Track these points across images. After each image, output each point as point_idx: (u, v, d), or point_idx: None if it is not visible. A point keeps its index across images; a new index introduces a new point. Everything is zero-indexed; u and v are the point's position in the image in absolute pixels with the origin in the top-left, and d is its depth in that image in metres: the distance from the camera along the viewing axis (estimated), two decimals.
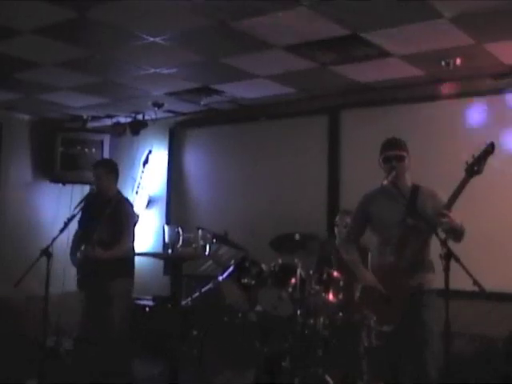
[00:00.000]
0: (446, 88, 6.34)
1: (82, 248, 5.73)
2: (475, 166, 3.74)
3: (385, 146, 4.38)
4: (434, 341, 3.99)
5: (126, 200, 6.04)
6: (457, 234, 4.06)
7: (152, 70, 6.28)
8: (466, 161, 3.81)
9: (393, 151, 4.31)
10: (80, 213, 5.71)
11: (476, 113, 6.15)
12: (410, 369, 4.18)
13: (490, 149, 3.74)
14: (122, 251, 5.68)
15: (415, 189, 4.33)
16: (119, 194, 5.98)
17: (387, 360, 4.37)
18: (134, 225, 5.93)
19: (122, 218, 5.76)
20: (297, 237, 5.54)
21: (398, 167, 4.27)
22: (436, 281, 4.10)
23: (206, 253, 5.83)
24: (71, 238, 5.99)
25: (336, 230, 6.07)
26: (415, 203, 4.23)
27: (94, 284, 5.72)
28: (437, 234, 3.82)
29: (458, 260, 3.47)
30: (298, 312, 5.28)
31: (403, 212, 4.22)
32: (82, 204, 5.63)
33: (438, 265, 3.67)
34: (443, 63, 5.69)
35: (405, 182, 4.35)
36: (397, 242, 4.27)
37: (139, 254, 6.08)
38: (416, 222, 4.11)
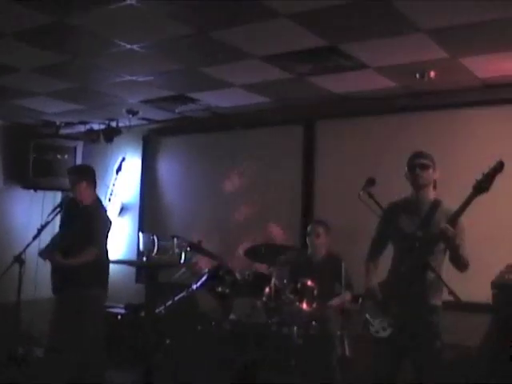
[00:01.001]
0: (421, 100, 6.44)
1: (39, 251, 5.69)
2: (483, 183, 3.75)
3: (410, 157, 4.35)
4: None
5: (101, 206, 5.97)
6: (454, 255, 4.09)
7: (128, 78, 6.27)
8: (475, 178, 3.81)
9: (417, 160, 4.29)
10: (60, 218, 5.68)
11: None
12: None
13: (498, 166, 3.74)
14: (86, 258, 5.52)
15: (436, 204, 4.28)
16: (97, 200, 5.91)
17: (382, 368, 4.37)
18: (108, 232, 5.86)
19: (93, 224, 5.69)
20: (270, 247, 5.57)
21: (421, 176, 4.25)
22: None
23: (182, 261, 5.82)
24: (43, 244, 5.92)
25: (308, 239, 6.11)
26: (431, 219, 4.19)
27: (66, 291, 5.65)
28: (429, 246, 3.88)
29: (434, 271, 3.51)
30: (272, 321, 5.29)
31: (417, 225, 4.20)
32: (58, 210, 5.58)
33: None
34: (418, 76, 5.78)
35: (427, 195, 4.32)
36: (404, 253, 4.25)
37: (114, 262, 6.03)
38: (426, 236, 4.08)
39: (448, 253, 4.15)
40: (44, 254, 5.69)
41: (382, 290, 4.29)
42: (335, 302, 5.61)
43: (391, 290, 4.23)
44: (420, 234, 4.12)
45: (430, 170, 4.28)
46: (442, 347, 4.16)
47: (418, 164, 4.26)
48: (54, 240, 5.92)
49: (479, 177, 3.81)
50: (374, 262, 4.55)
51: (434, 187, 4.36)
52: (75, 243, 5.56)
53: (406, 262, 4.19)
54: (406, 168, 4.34)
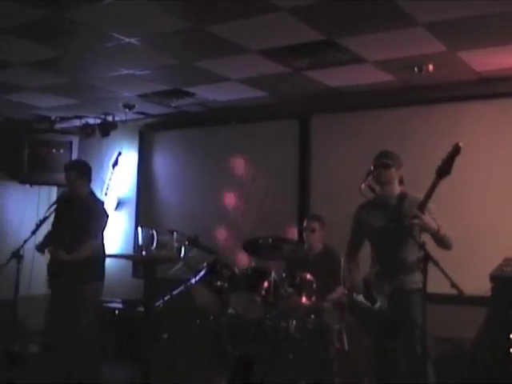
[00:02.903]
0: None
1: (47, 249, 5.67)
2: (443, 168, 3.82)
3: (375, 156, 4.59)
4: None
5: (98, 200, 5.96)
6: (437, 238, 4.24)
7: (124, 72, 6.24)
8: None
9: (379, 159, 4.52)
10: (54, 213, 5.65)
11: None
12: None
13: (455, 150, 3.81)
14: (87, 252, 5.54)
15: (402, 196, 4.48)
16: (91, 194, 5.90)
17: (376, 358, 4.47)
18: (105, 225, 5.85)
19: (91, 218, 5.69)
20: (269, 240, 5.54)
21: (383, 174, 4.47)
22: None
23: (181, 255, 5.81)
24: (39, 240, 5.89)
25: (304, 235, 6.11)
26: (401, 210, 4.36)
27: (62, 286, 5.63)
28: (413, 237, 3.94)
29: (436, 263, 3.54)
30: (270, 315, 5.29)
31: (388, 219, 4.38)
32: (55, 205, 5.57)
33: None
34: (416, 69, 5.78)
35: (392, 190, 4.53)
36: (380, 247, 4.50)
37: (112, 256, 6.02)
38: (398, 227, 4.26)
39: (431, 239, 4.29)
40: (43, 248, 5.68)
41: (365, 285, 4.47)
42: (334, 295, 5.61)
43: (374, 283, 4.41)
44: (392, 227, 4.32)
45: (393, 169, 4.51)
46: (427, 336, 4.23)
47: (380, 164, 4.49)
48: (48, 236, 5.91)
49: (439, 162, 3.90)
50: (354, 261, 4.80)
51: (401, 183, 4.58)
52: (73, 237, 5.56)
53: (383, 257, 4.46)
54: (372, 166, 4.52)
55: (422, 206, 4.03)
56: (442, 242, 4.30)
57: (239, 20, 4.81)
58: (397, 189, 4.54)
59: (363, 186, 4.21)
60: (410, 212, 4.14)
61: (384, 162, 4.49)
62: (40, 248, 5.76)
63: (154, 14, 4.71)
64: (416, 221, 4.04)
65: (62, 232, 5.69)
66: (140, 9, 4.62)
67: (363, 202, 4.56)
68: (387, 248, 4.41)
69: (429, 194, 3.96)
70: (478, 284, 5.32)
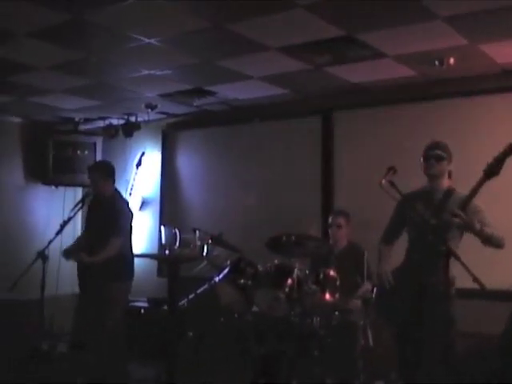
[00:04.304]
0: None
1: (63, 251, 5.77)
2: (493, 168, 3.75)
3: (426, 147, 4.48)
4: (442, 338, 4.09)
5: (122, 199, 6.01)
6: (482, 238, 4.18)
7: (146, 72, 6.28)
8: (487, 161, 3.81)
9: (433, 151, 4.41)
10: (85, 219, 5.74)
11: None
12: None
13: (508, 150, 3.74)
14: (111, 252, 5.61)
15: (449, 192, 4.40)
16: (116, 193, 5.95)
17: (399, 356, 4.47)
18: (130, 224, 5.89)
19: (115, 217, 5.74)
20: (292, 237, 5.53)
21: (435, 167, 4.39)
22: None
23: (204, 254, 5.83)
24: (65, 240, 5.96)
25: (329, 231, 6.09)
26: (445, 206, 4.29)
27: (90, 285, 5.69)
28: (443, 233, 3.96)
29: (458, 258, 3.51)
30: (295, 312, 5.29)
31: (430, 213, 4.29)
32: (80, 206, 5.63)
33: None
34: (437, 63, 5.73)
35: (441, 184, 4.45)
36: (417, 240, 4.41)
37: (137, 256, 6.06)
38: (439, 223, 4.19)
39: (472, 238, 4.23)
40: (69, 254, 5.75)
41: (394, 277, 4.45)
42: (360, 292, 5.59)
43: (403, 276, 4.37)
44: (434, 222, 4.21)
45: (445, 162, 4.40)
46: (455, 333, 4.19)
47: (433, 155, 4.39)
48: (79, 239, 5.97)
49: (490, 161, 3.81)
50: (386, 248, 4.73)
51: (449, 177, 4.47)
52: (99, 237, 5.62)
53: (419, 250, 4.34)
54: (422, 157, 4.41)
55: (465, 204, 3.98)
56: (490, 242, 4.21)
57: (259, 17, 4.80)
58: (445, 183, 4.46)
59: (383, 181, 4.15)
60: (453, 210, 4.06)
61: (438, 153, 4.39)
62: (66, 254, 5.82)
63: (173, 14, 4.73)
64: (456, 219, 3.98)
65: (89, 234, 5.77)
66: (160, 9, 4.65)
67: (411, 191, 4.48)
68: (424, 242, 4.27)
69: (473, 193, 3.90)
70: (505, 278, 5.29)
